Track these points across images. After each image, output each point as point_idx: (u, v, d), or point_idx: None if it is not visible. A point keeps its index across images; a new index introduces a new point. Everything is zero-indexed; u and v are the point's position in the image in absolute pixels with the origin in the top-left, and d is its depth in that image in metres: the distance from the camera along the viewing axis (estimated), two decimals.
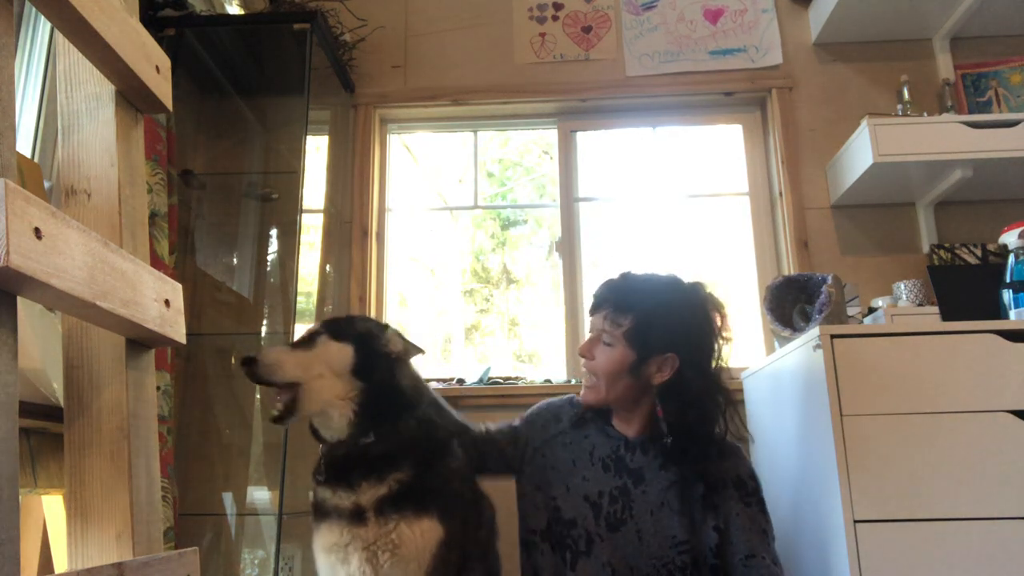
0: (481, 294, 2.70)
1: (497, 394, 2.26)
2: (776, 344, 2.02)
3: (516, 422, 1.61)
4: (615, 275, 1.52)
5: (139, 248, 0.90)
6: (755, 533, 1.38)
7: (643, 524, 1.38)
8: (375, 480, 1.28)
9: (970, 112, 2.35)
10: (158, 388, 1.75)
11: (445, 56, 2.62)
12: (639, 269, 1.52)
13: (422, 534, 1.26)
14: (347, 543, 1.27)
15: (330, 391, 1.32)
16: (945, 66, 2.44)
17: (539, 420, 1.57)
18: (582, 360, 1.49)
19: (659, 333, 1.40)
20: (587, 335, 1.52)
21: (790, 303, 1.91)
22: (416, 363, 1.46)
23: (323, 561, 1.31)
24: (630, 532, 1.38)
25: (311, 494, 1.37)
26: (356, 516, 1.27)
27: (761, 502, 1.41)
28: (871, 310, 2.08)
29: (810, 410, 1.58)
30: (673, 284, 1.47)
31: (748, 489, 1.41)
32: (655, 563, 1.36)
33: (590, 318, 1.51)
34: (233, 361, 2.37)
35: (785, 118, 2.47)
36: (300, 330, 2.33)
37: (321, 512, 1.32)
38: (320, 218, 2.49)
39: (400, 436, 1.32)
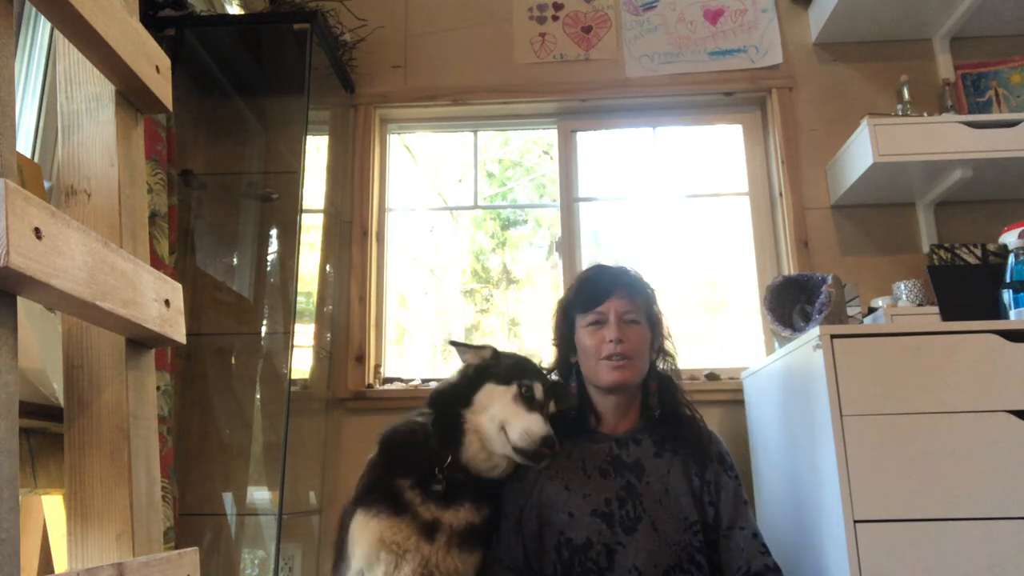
0: (481, 294, 2.70)
1: None
2: (776, 344, 2.02)
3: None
4: (594, 267, 1.59)
5: (139, 248, 0.90)
6: (738, 506, 1.43)
7: (656, 515, 1.38)
8: (472, 508, 1.36)
9: (970, 112, 2.35)
10: (158, 388, 1.75)
11: (445, 56, 2.62)
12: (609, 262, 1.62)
13: (473, 566, 1.35)
14: (407, 550, 1.29)
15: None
16: (945, 66, 2.44)
17: (512, 496, 1.47)
18: (611, 345, 1.43)
19: (656, 313, 1.53)
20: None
21: (790, 303, 1.91)
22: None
23: (367, 549, 1.29)
24: (647, 527, 1.37)
25: (386, 480, 1.37)
26: (427, 530, 1.30)
27: (739, 476, 1.48)
28: (871, 310, 2.08)
29: (810, 410, 1.58)
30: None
31: (728, 463, 1.48)
32: (675, 549, 1.36)
33: (596, 308, 1.47)
34: (233, 361, 2.37)
35: (785, 118, 2.47)
36: (300, 330, 2.35)
37: (394, 503, 1.32)
38: (320, 218, 2.49)
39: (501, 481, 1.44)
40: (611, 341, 1.43)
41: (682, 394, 1.53)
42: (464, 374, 1.48)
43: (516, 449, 1.34)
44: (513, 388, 1.39)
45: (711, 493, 1.43)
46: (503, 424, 1.36)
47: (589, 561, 1.37)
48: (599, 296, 1.49)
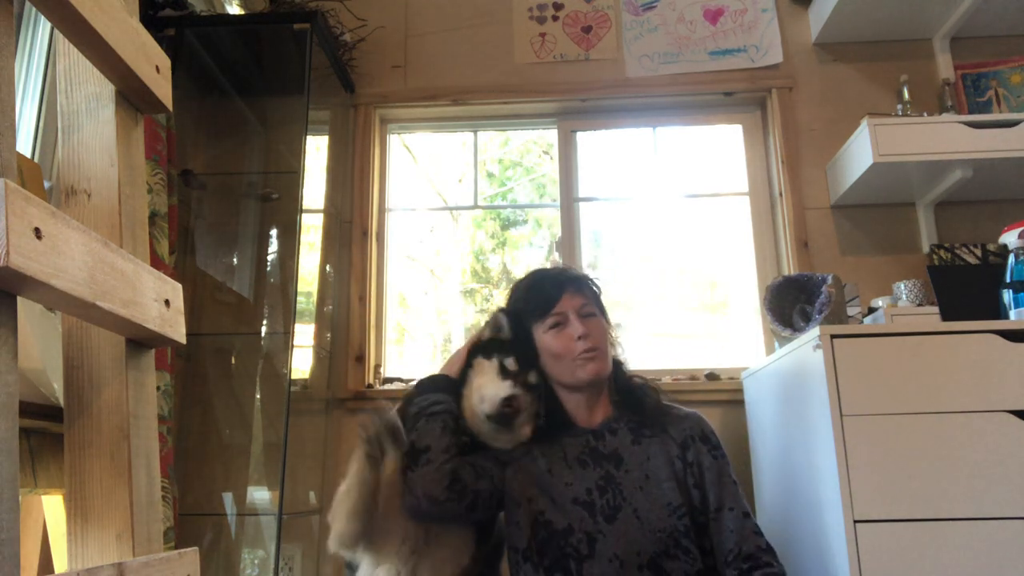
0: (481, 294, 2.70)
1: None
2: (776, 344, 2.02)
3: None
4: (533, 272, 1.61)
5: (139, 248, 0.90)
6: (724, 486, 1.42)
7: (637, 503, 1.38)
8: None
9: (970, 112, 2.35)
10: (158, 388, 1.75)
11: (445, 56, 2.62)
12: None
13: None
14: None
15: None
16: (945, 66, 2.44)
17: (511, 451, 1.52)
18: (581, 342, 1.44)
19: (603, 304, 1.56)
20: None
21: (790, 303, 1.91)
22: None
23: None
24: (628, 515, 1.37)
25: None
26: None
27: (725, 455, 1.46)
28: (871, 310, 2.08)
29: (810, 410, 1.58)
30: None
31: (713, 443, 1.46)
32: (660, 536, 1.35)
33: (553, 310, 1.47)
34: (233, 361, 2.37)
35: (785, 118, 2.47)
36: (300, 330, 2.36)
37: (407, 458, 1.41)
38: (320, 218, 2.49)
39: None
40: (580, 338, 1.45)
41: (628, 372, 1.57)
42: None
43: (487, 417, 1.39)
44: (494, 362, 1.44)
45: (694, 475, 1.42)
46: (481, 398, 1.41)
47: (569, 547, 1.36)
48: (552, 297, 1.49)
